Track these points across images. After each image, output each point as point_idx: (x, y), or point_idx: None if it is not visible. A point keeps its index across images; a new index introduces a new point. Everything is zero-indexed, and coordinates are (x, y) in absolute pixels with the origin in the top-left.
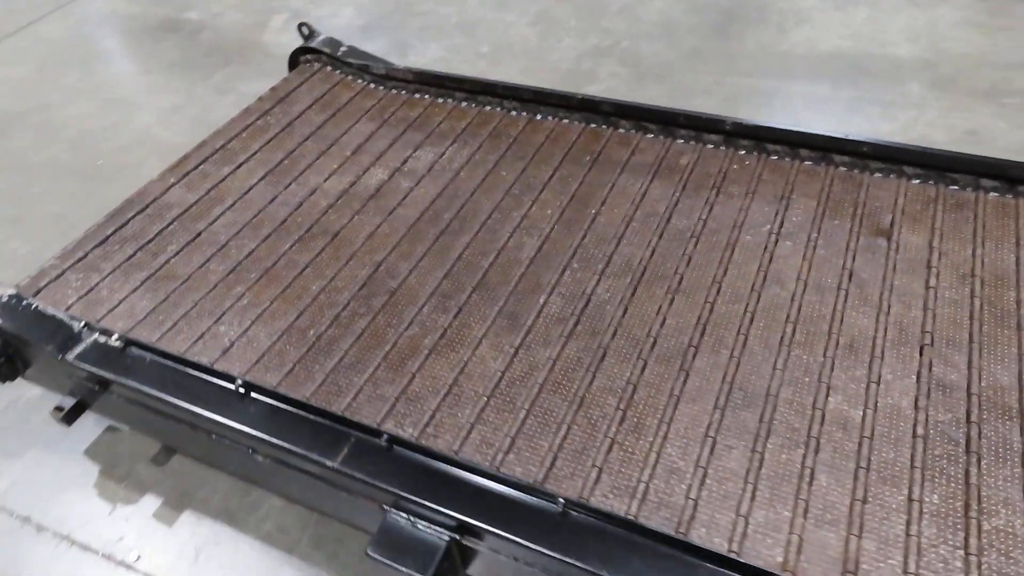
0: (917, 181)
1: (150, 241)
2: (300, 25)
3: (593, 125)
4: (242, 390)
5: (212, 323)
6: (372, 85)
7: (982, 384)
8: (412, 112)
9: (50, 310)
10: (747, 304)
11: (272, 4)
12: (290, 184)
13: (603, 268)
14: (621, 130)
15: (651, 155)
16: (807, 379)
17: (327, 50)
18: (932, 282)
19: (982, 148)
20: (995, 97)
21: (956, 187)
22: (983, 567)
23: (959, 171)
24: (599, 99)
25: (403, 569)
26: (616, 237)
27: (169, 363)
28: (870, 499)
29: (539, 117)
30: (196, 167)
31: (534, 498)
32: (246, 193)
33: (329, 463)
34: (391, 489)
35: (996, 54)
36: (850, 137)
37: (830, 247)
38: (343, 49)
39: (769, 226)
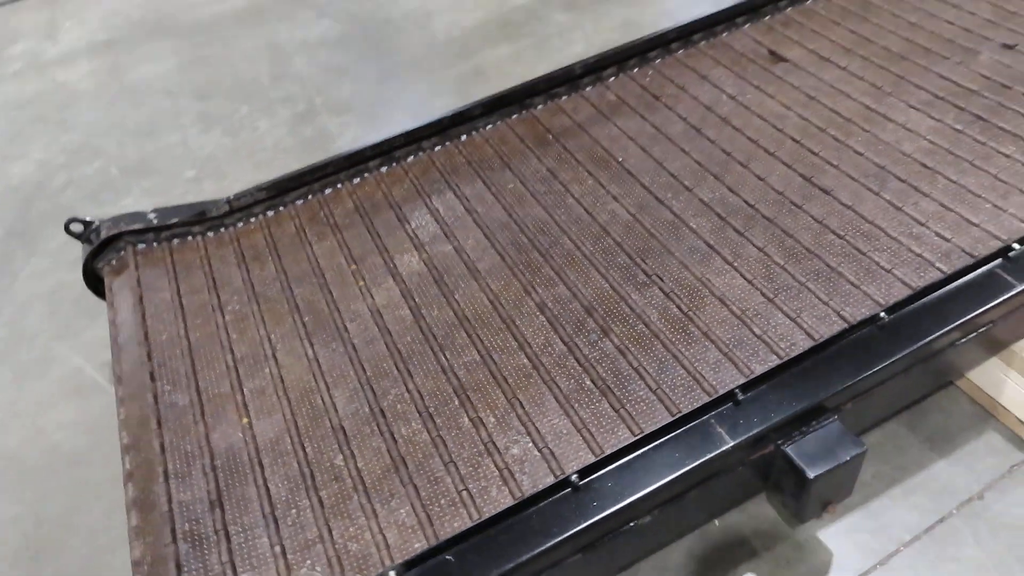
0: None
1: (313, 477)
2: (70, 222)
3: (523, 113)
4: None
5: (510, 444)
6: (265, 214)
7: None
8: (346, 204)
9: None
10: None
11: None
12: (346, 326)
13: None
14: (555, 100)
15: (607, 97)
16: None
17: (138, 226)
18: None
19: None
20: None
21: None
22: None
23: None
24: (517, 87)
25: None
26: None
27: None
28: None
29: (463, 138)
30: (243, 392)
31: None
32: (318, 365)
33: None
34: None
35: None
36: None
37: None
38: (153, 217)
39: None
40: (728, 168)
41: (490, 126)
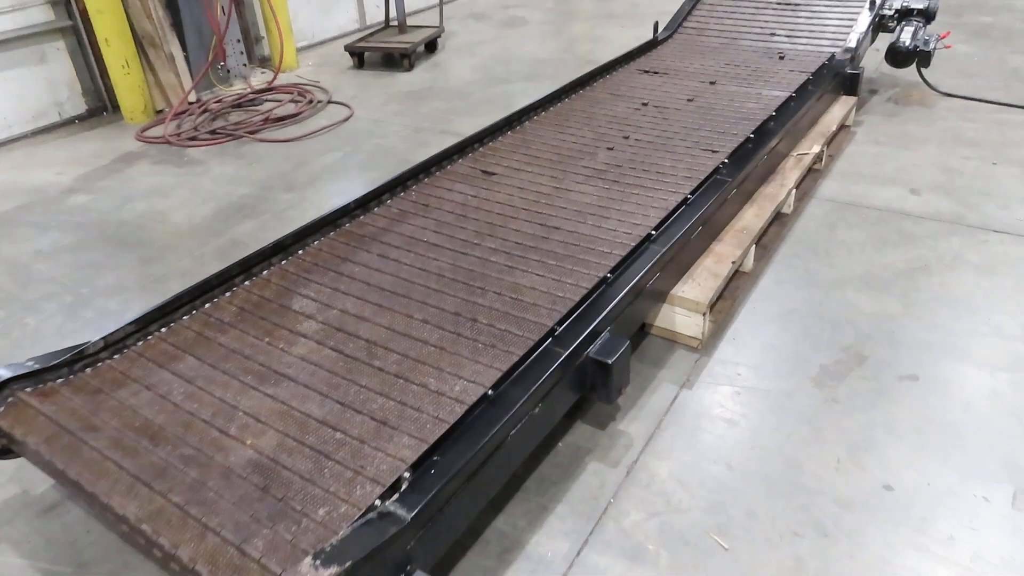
0: None
1: (325, 451)
2: None
3: (336, 231)
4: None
5: (452, 387)
6: (160, 331)
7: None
8: (229, 310)
9: None
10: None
11: None
12: (284, 372)
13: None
14: (356, 219)
15: (392, 211)
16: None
17: (21, 373)
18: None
19: None
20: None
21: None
22: None
23: None
24: (320, 218)
25: None
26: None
27: None
28: None
29: (300, 252)
30: (230, 432)
31: None
32: (280, 399)
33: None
34: None
35: None
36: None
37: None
38: (31, 364)
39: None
40: (495, 230)
41: (316, 242)
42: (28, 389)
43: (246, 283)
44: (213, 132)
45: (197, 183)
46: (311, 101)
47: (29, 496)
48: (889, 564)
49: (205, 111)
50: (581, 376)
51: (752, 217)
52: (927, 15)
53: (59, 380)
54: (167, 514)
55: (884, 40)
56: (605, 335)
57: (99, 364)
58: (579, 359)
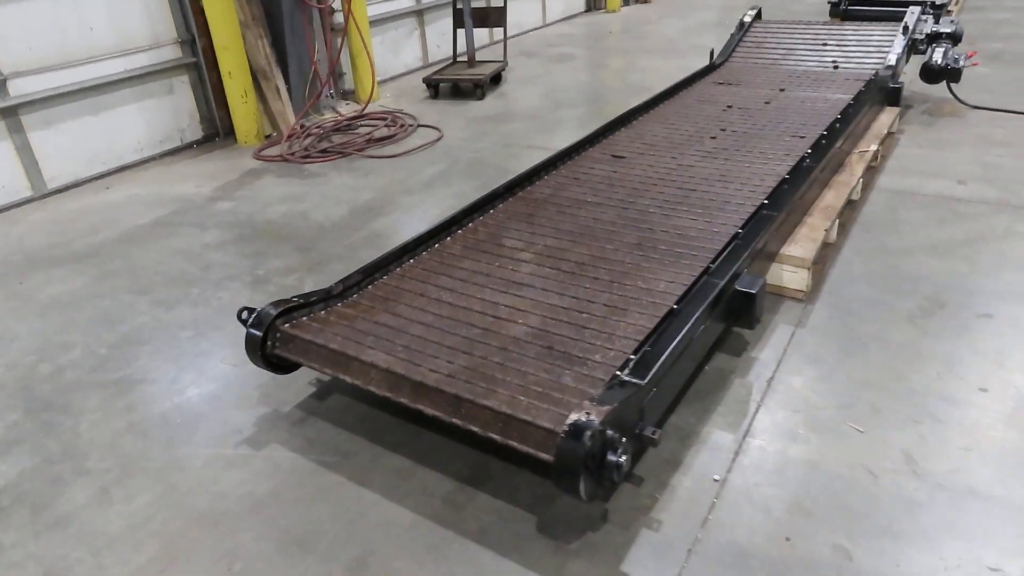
0: None
1: (548, 327)
2: (241, 310)
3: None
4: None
5: (656, 287)
6: (409, 261)
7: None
8: (455, 249)
9: None
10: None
11: None
12: (523, 280)
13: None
14: (523, 189)
15: (539, 191)
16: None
17: (291, 306)
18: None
19: None
20: None
21: None
22: None
23: None
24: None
25: None
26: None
27: None
28: None
29: (492, 211)
30: (493, 314)
31: None
32: (519, 295)
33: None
34: None
35: None
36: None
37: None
38: (296, 299)
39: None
40: (643, 193)
41: (502, 204)
42: (291, 322)
43: (459, 231)
44: (323, 151)
45: (324, 190)
46: (402, 125)
47: (279, 413)
48: (995, 440)
49: (309, 135)
50: (728, 307)
51: (832, 198)
52: (954, 37)
53: (333, 305)
54: (489, 370)
55: (916, 61)
56: (746, 274)
57: (375, 283)
58: (727, 290)
